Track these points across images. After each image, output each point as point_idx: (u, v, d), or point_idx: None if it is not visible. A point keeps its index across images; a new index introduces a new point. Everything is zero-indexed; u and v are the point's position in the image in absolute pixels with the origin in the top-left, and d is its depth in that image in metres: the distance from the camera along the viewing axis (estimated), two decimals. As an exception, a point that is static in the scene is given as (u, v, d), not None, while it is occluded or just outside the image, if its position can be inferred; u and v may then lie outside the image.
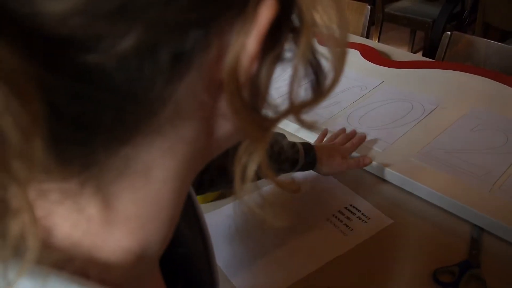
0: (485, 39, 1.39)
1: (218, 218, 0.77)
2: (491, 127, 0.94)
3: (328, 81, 0.26)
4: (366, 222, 0.75)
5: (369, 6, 1.66)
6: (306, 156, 0.77)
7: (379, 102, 1.06)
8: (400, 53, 1.35)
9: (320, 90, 0.26)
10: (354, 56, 1.31)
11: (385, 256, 0.69)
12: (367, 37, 1.65)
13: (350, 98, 1.07)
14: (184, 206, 0.38)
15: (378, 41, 2.30)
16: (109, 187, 0.21)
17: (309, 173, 0.87)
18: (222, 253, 0.71)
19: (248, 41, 0.21)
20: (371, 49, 1.35)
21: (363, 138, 0.88)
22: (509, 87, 1.10)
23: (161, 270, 0.31)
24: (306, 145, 0.79)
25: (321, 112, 1.01)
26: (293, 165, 0.76)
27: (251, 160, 0.23)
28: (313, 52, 0.24)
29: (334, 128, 0.95)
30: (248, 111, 0.22)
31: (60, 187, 0.21)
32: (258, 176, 0.25)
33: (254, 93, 0.22)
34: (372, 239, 0.73)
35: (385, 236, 0.73)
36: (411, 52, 2.79)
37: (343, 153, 0.82)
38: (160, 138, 0.21)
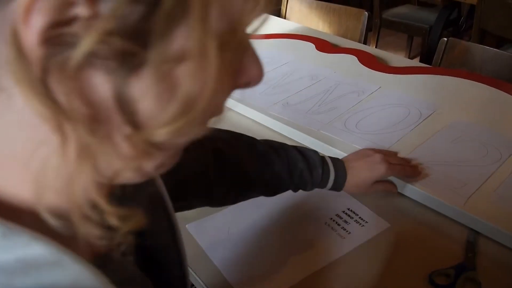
0: (481, 45, 1.41)
1: (218, 220, 0.78)
2: (471, 139, 0.93)
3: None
4: (363, 225, 0.76)
5: (366, 12, 1.68)
6: (335, 180, 0.73)
7: (376, 107, 1.07)
8: (398, 59, 1.37)
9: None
10: (351, 62, 1.32)
11: (381, 259, 0.70)
12: (365, 43, 1.66)
13: (348, 104, 1.09)
14: (151, 201, 0.38)
15: (376, 47, 2.32)
16: None
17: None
18: (221, 255, 0.72)
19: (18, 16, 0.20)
20: (369, 55, 1.36)
21: (416, 172, 0.81)
22: (505, 93, 1.11)
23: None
24: (336, 163, 0.74)
25: (319, 117, 1.03)
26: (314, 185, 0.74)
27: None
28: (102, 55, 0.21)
29: (332, 133, 0.96)
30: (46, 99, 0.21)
31: None
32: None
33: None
34: (369, 242, 0.74)
35: (382, 240, 0.74)
36: (408, 58, 2.81)
37: (377, 173, 0.75)
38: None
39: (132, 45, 0.21)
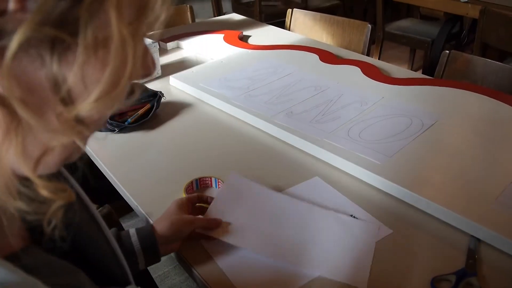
0: (483, 58, 1.43)
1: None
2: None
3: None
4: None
5: (369, 25, 1.71)
6: (145, 253, 0.70)
7: (379, 117, 1.09)
8: (400, 70, 1.39)
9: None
10: (354, 73, 1.34)
11: (384, 264, 0.71)
12: (368, 55, 1.68)
13: (351, 113, 1.10)
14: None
15: (379, 59, 2.34)
16: None
17: (312, 182, 0.89)
18: (227, 259, 0.73)
19: None
20: (372, 66, 1.38)
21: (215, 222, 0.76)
22: (506, 105, 1.13)
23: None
24: (144, 236, 0.70)
25: (322, 126, 1.04)
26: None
27: None
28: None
29: (335, 141, 0.98)
30: None
31: None
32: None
33: None
34: (372, 248, 0.75)
35: (384, 246, 0.75)
36: (411, 70, 2.83)
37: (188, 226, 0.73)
38: None
39: (61, 34, 0.24)
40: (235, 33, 1.72)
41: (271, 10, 3.27)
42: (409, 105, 1.14)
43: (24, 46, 0.24)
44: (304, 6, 3.31)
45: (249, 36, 1.75)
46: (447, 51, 1.45)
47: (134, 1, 0.27)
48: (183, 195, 0.84)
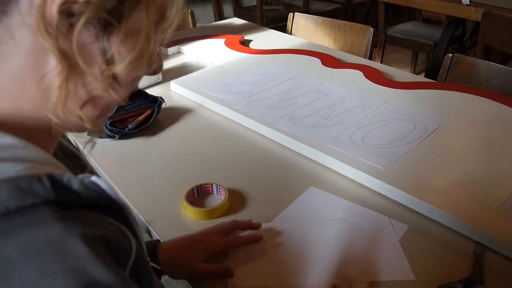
0: (486, 61, 1.42)
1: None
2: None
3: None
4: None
5: (372, 29, 1.70)
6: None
7: (382, 121, 1.08)
8: (403, 74, 1.38)
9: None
10: (357, 77, 1.33)
11: (389, 272, 0.70)
12: (370, 59, 1.68)
13: (354, 118, 1.09)
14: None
15: (381, 63, 2.33)
16: None
17: (308, 192, 0.88)
18: (237, 272, 0.72)
19: None
20: (374, 70, 1.37)
21: (243, 239, 0.76)
22: (510, 108, 1.12)
23: None
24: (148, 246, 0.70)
25: (325, 131, 1.03)
26: None
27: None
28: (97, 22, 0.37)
29: (338, 147, 0.97)
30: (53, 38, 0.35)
31: None
32: None
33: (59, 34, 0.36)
34: (376, 255, 0.73)
35: (388, 253, 0.73)
36: (413, 73, 2.82)
37: (202, 251, 0.72)
38: (10, 38, 0.36)
39: (111, 19, 0.37)
40: (236, 38, 1.71)
41: (272, 14, 3.27)
42: (413, 109, 1.13)
43: (87, 25, 0.36)
44: (306, 10, 3.31)
45: (250, 41, 1.74)
46: (450, 55, 1.44)
47: (158, 9, 0.40)
48: (184, 202, 0.82)
